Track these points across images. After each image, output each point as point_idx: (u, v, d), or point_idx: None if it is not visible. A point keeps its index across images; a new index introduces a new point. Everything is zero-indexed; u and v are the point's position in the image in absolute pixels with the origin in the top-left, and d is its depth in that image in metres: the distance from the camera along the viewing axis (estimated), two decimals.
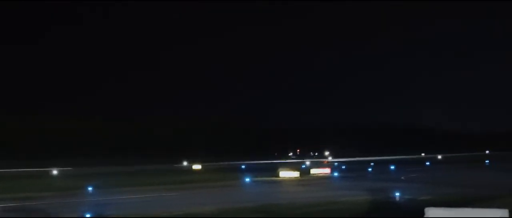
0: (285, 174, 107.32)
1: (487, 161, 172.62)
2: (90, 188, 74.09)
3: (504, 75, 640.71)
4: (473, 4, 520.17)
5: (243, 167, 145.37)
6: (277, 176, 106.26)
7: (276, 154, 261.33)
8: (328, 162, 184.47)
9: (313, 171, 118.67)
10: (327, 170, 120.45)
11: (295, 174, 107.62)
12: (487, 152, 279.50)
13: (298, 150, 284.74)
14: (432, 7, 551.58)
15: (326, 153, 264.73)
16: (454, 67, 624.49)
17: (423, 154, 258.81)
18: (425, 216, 23.44)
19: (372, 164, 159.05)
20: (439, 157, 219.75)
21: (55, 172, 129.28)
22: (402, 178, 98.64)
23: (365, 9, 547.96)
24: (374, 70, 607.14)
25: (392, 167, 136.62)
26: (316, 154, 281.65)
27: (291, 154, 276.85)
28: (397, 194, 59.97)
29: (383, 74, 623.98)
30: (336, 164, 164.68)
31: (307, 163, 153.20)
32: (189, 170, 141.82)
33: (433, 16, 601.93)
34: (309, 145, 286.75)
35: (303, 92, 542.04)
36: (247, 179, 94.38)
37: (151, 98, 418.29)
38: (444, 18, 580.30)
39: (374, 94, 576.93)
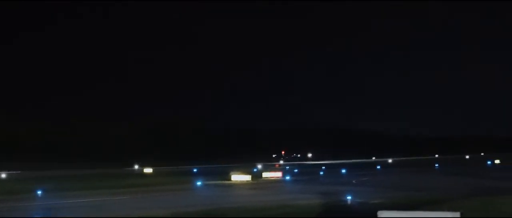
0: (237, 177, 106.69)
1: (436, 165, 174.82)
2: (39, 192, 72.41)
3: (454, 81, 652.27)
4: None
5: (195, 170, 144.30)
6: (229, 179, 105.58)
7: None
8: (279, 165, 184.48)
9: (265, 174, 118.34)
10: (278, 174, 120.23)
11: (247, 177, 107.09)
12: (436, 155, 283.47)
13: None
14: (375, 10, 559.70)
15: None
16: (402, 73, 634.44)
17: (373, 158, 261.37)
18: None
19: (323, 167, 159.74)
20: (390, 161, 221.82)
21: (3, 175, 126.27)
22: (354, 181, 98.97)
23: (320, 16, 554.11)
24: (326, 75, 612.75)
25: (343, 171, 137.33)
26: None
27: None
28: (349, 197, 59.96)
29: (335, 79, 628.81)
30: (287, 167, 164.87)
31: (259, 166, 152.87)
32: (141, 174, 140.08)
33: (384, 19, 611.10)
34: (264, 148, 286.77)
35: (255, 96, 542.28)
36: (199, 183, 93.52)
37: (104, 103, 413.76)
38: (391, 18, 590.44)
39: (324, 99, 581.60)
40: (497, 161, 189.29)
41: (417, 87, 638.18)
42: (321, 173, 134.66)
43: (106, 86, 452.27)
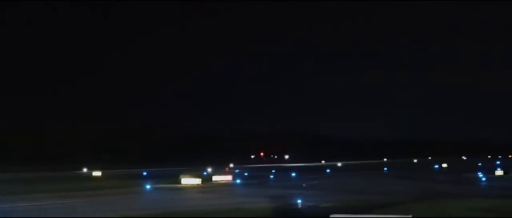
0: (187, 180, 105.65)
1: (385, 168, 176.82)
2: None
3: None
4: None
5: (144, 173, 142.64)
6: (179, 182, 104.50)
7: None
8: (229, 169, 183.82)
9: (215, 177, 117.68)
10: (229, 177, 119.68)
11: (197, 180, 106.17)
12: (385, 159, 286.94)
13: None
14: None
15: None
16: (346, 74, 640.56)
17: (323, 161, 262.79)
18: None
19: (273, 171, 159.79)
20: (339, 164, 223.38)
21: None
22: (304, 185, 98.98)
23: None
24: (274, 77, 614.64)
25: (293, 174, 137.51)
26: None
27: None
28: (300, 201, 59.66)
29: (283, 80, 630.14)
30: (237, 171, 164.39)
31: (209, 169, 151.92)
32: (89, 177, 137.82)
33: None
34: (211, 152, 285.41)
35: (201, 97, 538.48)
36: (148, 186, 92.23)
37: (54, 103, 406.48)
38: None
39: (273, 100, 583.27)
40: (444, 165, 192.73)
41: (357, 89, 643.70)
42: (271, 176, 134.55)
43: (59, 86, 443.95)
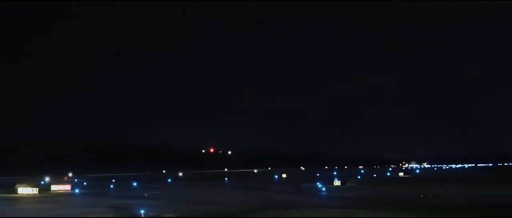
0: (24, 190, 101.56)
1: (226, 179, 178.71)
2: None
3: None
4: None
5: None
6: (15, 192, 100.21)
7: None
8: (68, 178, 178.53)
9: (54, 187, 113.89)
10: (67, 187, 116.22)
11: (34, 190, 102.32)
12: (225, 169, 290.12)
13: None
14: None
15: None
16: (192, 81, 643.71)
17: (164, 171, 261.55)
18: None
19: (113, 180, 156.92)
20: (180, 174, 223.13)
21: None
22: (146, 195, 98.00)
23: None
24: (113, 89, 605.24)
25: (135, 184, 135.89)
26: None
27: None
28: (142, 211, 58.96)
29: (128, 92, 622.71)
30: (76, 180, 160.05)
31: (47, 178, 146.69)
32: None
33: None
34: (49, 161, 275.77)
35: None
36: None
37: None
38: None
39: (116, 111, 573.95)
40: (284, 175, 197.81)
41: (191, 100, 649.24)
42: (111, 186, 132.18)
43: None
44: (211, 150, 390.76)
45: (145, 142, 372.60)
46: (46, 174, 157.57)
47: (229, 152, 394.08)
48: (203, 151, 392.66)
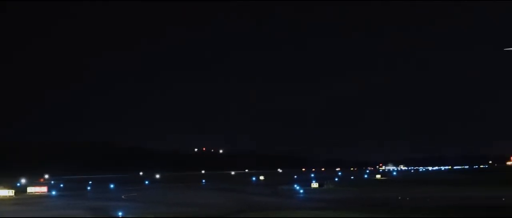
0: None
1: (203, 181, 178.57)
2: None
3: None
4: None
5: None
6: None
7: None
8: (45, 180, 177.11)
9: (30, 189, 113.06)
10: (44, 188, 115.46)
11: (10, 192, 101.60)
12: (202, 171, 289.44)
13: None
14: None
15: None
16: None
17: (141, 173, 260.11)
18: None
19: (90, 182, 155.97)
20: (157, 176, 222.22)
21: None
22: (123, 197, 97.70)
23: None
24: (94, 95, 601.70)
25: (112, 186, 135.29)
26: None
27: None
28: (120, 213, 58.87)
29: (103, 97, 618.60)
30: (53, 182, 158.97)
31: (23, 180, 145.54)
32: None
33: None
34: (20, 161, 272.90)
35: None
36: None
37: None
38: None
39: (90, 114, 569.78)
40: (261, 177, 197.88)
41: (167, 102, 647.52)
42: (89, 188, 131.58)
43: None
44: (196, 150, 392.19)
45: (121, 144, 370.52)
46: (23, 175, 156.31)
47: (205, 154, 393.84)
48: (196, 150, 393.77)
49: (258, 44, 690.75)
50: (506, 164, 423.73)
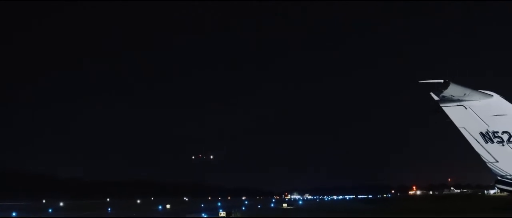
0: None
1: (109, 209, 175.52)
2: None
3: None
4: None
5: None
6: None
7: None
8: None
9: None
10: None
11: None
12: (108, 199, 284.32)
13: None
14: None
15: None
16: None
17: (44, 201, 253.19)
18: None
19: None
20: (61, 204, 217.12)
21: None
22: None
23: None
24: None
25: (14, 214, 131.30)
26: None
27: None
28: None
29: None
30: None
31: None
32: None
33: None
34: None
35: None
36: None
37: None
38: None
39: None
40: (168, 206, 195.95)
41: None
42: None
43: None
44: None
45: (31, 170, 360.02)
46: None
47: (109, 182, 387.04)
48: None
49: None
50: (408, 193, 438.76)
